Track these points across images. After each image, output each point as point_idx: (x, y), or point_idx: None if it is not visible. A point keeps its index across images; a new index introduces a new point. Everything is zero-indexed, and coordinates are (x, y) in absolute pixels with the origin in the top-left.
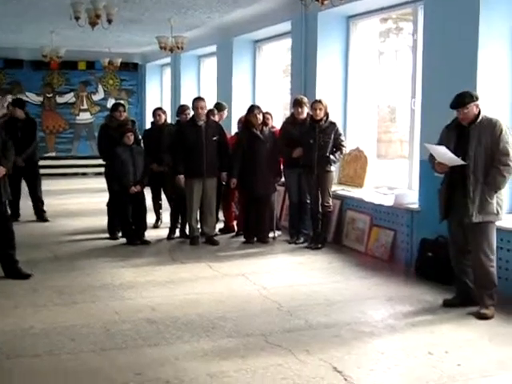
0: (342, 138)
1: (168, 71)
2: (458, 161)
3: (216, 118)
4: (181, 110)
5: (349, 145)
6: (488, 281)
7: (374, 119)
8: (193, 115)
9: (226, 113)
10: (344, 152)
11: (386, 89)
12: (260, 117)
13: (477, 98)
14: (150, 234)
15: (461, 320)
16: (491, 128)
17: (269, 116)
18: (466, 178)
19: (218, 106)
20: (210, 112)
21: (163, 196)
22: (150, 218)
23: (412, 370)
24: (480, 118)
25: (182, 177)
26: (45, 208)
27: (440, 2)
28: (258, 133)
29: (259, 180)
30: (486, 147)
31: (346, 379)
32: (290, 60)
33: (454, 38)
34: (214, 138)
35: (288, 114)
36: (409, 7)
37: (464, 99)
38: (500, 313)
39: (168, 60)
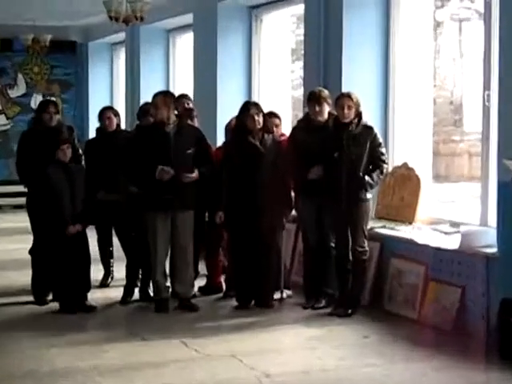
0: (383, 149)
1: (122, 53)
2: None
3: (195, 122)
4: (144, 110)
5: (392, 160)
6: None
7: (430, 122)
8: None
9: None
10: (385, 171)
11: (447, 77)
12: (259, 119)
13: None
14: (95, 297)
15: None
16: None
17: (277, 119)
18: None
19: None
20: (186, 112)
21: (115, 239)
22: (96, 271)
23: None
24: None
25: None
26: None
27: None
28: (257, 143)
29: (259, 214)
30: None
31: None
32: (302, 35)
33: None
34: (190, 151)
35: (300, 115)
36: None
37: None
38: None
39: (122, 36)
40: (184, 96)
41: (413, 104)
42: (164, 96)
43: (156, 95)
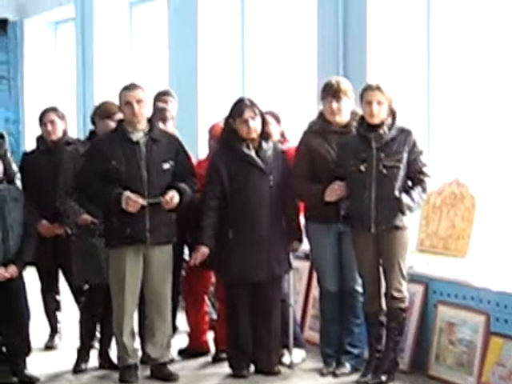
0: (425, 160)
1: (70, 34)
2: None
3: (169, 126)
4: (101, 111)
5: (438, 174)
6: None
7: (495, 121)
8: (120, 121)
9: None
10: (429, 188)
11: None
12: (256, 126)
13: None
14: (38, 364)
15: None
16: None
17: (271, 119)
18: None
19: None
20: (160, 112)
21: (64, 285)
22: (39, 329)
23: None
24: None
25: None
26: None
27: None
28: (253, 154)
29: (256, 250)
30: None
31: None
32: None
33: None
34: (166, 167)
35: (314, 113)
36: None
37: None
38: None
39: (70, 11)
40: (165, 94)
41: (467, 96)
42: (142, 90)
43: (129, 88)
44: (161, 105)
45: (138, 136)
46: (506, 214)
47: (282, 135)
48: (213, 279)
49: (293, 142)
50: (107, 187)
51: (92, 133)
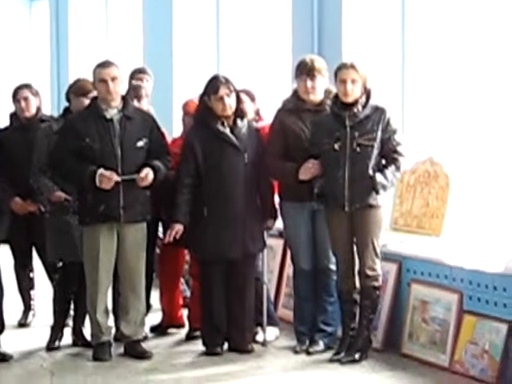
0: (399, 138)
1: (44, 10)
2: None
3: (144, 104)
4: (76, 88)
5: (413, 152)
6: None
7: (469, 99)
8: (94, 99)
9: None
10: (402, 167)
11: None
12: (231, 103)
13: None
14: (11, 341)
15: None
16: None
17: (245, 97)
18: None
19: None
20: (134, 90)
21: (37, 263)
22: (13, 307)
23: None
24: None
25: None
26: None
27: None
28: (228, 131)
29: (230, 227)
30: None
31: None
32: None
33: None
34: (140, 144)
35: (289, 91)
36: None
37: None
38: None
39: None
40: (141, 71)
41: (442, 73)
42: (117, 67)
43: (104, 65)
44: (135, 82)
45: (112, 113)
46: (479, 192)
47: (257, 113)
48: (187, 258)
49: (267, 120)
50: (81, 165)
51: (66, 110)
